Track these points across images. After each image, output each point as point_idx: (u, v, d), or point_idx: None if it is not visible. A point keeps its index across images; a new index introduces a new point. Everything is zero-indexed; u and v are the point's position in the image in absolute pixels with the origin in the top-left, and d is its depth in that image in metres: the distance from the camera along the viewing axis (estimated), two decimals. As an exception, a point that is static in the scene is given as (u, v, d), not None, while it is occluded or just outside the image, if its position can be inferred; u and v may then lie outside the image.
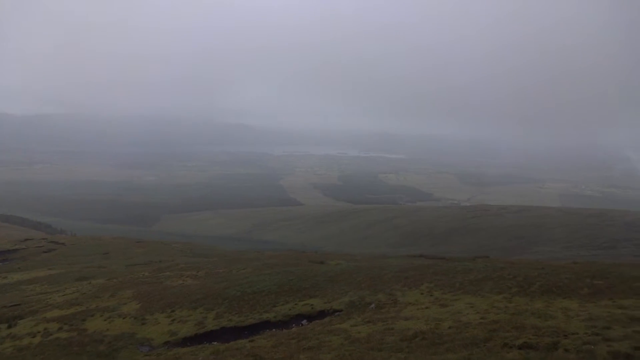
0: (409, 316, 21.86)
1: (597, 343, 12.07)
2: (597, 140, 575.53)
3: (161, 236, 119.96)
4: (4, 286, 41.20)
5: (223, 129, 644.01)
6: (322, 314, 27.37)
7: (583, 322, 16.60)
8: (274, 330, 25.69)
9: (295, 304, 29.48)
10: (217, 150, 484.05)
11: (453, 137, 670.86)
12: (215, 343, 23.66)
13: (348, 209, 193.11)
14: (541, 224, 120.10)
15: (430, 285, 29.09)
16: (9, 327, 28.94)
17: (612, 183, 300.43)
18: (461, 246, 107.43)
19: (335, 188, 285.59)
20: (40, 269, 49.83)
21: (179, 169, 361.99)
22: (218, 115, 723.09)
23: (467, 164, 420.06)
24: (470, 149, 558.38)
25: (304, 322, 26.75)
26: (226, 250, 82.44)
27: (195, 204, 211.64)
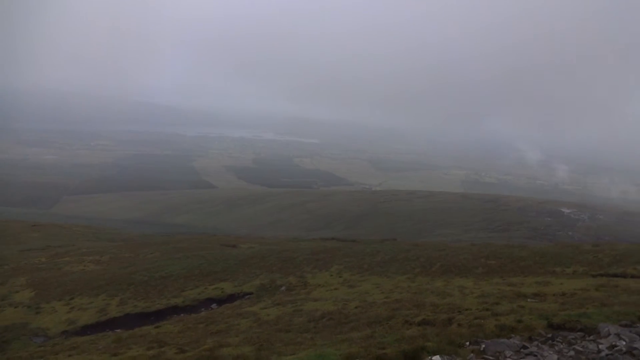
0: (318, 297, 22.34)
1: (487, 318, 13.08)
2: (481, 130, 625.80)
3: (60, 219, 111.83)
4: None
5: (133, 107, 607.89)
6: (232, 298, 27.17)
7: (476, 298, 17.92)
8: (182, 315, 25.10)
9: (205, 288, 28.98)
10: (125, 129, 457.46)
11: (367, 124, 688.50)
12: (119, 330, 22.66)
13: (262, 192, 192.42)
14: (445, 209, 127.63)
15: (340, 267, 29.92)
16: None
17: (508, 171, 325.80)
18: (372, 229, 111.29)
19: (249, 171, 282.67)
20: None
21: (82, 147, 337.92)
22: (129, 92, 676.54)
23: (379, 150, 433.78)
24: (383, 136, 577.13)
25: (214, 305, 26.40)
26: (133, 234, 78.81)
27: (99, 186, 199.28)
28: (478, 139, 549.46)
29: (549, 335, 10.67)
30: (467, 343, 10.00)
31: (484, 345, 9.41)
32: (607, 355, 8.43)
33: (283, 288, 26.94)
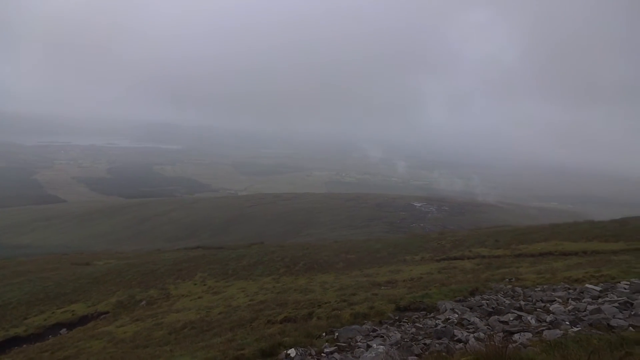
0: (181, 308, 21.53)
1: (344, 308, 13.79)
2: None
3: None
4: None
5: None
6: (85, 319, 24.94)
7: (336, 292, 18.78)
8: (24, 346, 22.37)
9: (53, 313, 26.19)
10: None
11: (229, 128, 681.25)
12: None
13: (120, 203, 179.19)
14: (311, 209, 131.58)
15: (204, 275, 29.16)
16: None
17: (366, 170, 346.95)
18: (239, 235, 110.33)
19: (104, 182, 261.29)
20: None
21: None
22: None
23: (243, 154, 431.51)
24: (246, 140, 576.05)
25: (63, 331, 23.98)
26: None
27: None
28: (327, 140, 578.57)
29: (397, 317, 11.62)
30: (324, 334, 10.44)
31: (337, 334, 9.93)
32: (441, 327, 9.43)
33: (143, 303, 25.46)
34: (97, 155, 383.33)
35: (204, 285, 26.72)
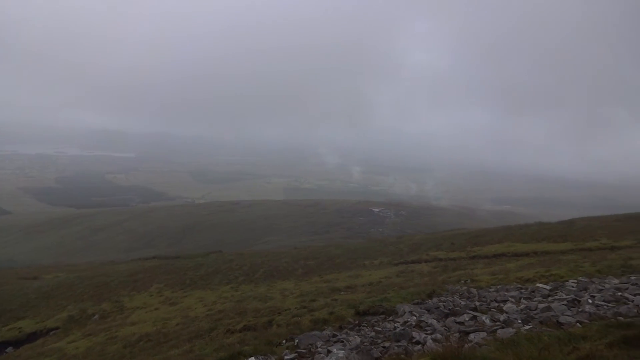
0: (136, 320, 20.89)
1: (304, 315, 13.75)
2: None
3: None
4: None
5: None
6: (33, 336, 23.79)
7: (296, 298, 18.73)
8: (-35, 368, 21.10)
9: (-3, 331, 24.85)
10: None
11: (184, 135, 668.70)
12: None
13: (70, 214, 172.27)
14: (270, 216, 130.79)
15: (160, 286, 28.43)
16: None
17: (325, 176, 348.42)
18: (197, 244, 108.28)
19: (52, 192, 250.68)
20: None
21: None
22: None
23: (199, 161, 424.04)
24: (202, 147, 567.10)
25: (9, 349, 22.78)
26: None
27: None
28: (284, 147, 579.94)
29: (356, 322, 11.70)
30: (284, 341, 10.38)
31: (297, 340, 9.89)
32: (400, 330, 9.56)
33: (96, 317, 24.55)
34: (44, 164, 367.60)
35: (161, 296, 26.05)
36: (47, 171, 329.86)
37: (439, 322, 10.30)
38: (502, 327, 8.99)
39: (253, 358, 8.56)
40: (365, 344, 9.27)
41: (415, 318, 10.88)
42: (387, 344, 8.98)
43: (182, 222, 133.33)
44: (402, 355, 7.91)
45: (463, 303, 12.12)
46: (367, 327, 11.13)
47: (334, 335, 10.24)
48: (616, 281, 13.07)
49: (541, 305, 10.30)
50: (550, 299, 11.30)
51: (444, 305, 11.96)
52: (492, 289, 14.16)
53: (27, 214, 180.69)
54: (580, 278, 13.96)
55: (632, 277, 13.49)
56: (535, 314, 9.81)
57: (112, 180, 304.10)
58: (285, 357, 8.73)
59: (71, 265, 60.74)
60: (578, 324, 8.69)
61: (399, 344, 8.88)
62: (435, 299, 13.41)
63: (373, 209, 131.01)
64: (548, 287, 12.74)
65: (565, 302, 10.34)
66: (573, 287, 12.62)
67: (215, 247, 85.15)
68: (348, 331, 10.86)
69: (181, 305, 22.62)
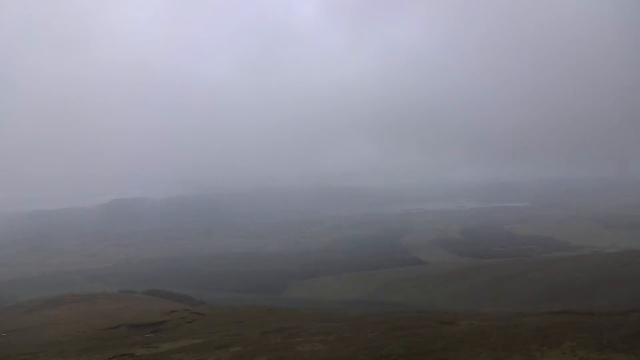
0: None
1: None
2: None
3: (290, 303, 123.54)
4: (156, 355, 45.40)
5: (330, 192, 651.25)
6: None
7: None
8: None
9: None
10: (332, 214, 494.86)
11: (573, 178, 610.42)
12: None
13: (475, 264, 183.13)
14: None
15: (572, 344, 26.76)
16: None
17: None
18: (611, 299, 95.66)
19: (458, 243, 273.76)
20: (185, 338, 54.04)
21: (300, 235, 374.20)
22: (319, 178, 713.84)
23: (602, 205, 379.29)
24: (601, 190, 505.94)
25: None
26: (353, 313, 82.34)
27: (318, 270, 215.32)
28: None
29: None
30: None
31: None
32: None
33: (509, 367, 25.21)
34: (449, 218, 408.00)
35: (574, 355, 24.56)
36: (452, 224, 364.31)
37: None
38: None
39: None
40: None
41: None
42: None
43: (590, 274, 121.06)
44: None
45: None
46: None
47: None
48: None
49: None
50: None
51: None
52: None
53: (440, 264, 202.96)
54: None
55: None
56: None
57: (511, 230, 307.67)
58: None
59: (481, 313, 64.13)
60: None
61: None
62: None
63: None
64: None
65: None
66: None
67: (634, 304, 72.96)
68: None
69: (600, 369, 20.71)
